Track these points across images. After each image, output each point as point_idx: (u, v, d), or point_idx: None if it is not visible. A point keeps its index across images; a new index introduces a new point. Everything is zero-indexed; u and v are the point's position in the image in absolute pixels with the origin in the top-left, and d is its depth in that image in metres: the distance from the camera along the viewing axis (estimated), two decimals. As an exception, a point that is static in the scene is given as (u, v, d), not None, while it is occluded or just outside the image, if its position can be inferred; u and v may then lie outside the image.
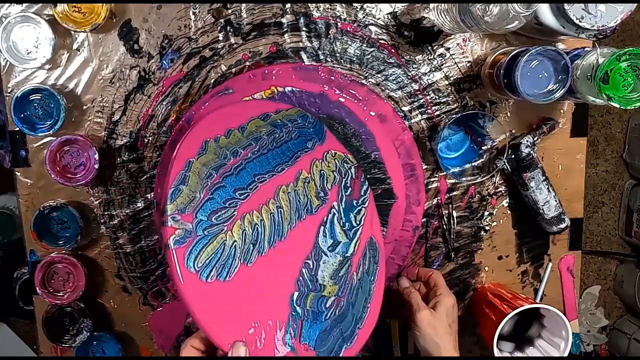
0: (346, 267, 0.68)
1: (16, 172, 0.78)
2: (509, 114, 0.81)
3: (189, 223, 0.58)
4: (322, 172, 0.70)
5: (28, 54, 0.72)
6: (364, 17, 0.78)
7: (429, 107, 0.80)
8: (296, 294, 0.63)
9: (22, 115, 0.73)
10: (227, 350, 0.56)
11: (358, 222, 0.72)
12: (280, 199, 0.65)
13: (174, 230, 0.57)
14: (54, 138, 0.74)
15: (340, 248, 0.69)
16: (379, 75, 0.79)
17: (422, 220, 0.82)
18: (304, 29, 0.78)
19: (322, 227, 0.68)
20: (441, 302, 0.74)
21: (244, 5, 0.77)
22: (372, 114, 0.78)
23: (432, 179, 0.82)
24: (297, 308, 0.62)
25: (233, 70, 0.78)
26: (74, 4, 0.71)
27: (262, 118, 0.68)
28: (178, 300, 0.82)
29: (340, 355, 0.64)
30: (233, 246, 0.60)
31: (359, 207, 0.73)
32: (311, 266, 0.65)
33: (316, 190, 0.69)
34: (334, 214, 0.70)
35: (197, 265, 0.57)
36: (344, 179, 0.72)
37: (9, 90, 0.76)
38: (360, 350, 0.66)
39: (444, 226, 0.83)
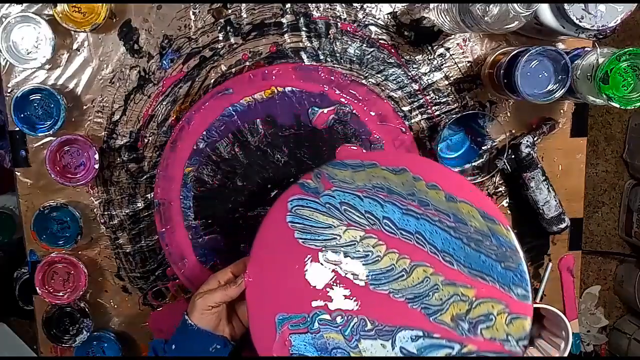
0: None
1: (16, 172, 0.78)
2: (509, 114, 0.81)
3: (323, 187, 0.62)
4: (490, 312, 0.57)
5: (28, 54, 0.72)
6: (364, 17, 0.78)
7: (429, 107, 0.80)
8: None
9: (22, 115, 0.73)
10: (245, 277, 0.61)
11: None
12: (413, 269, 0.60)
13: (309, 178, 0.62)
14: (54, 138, 0.74)
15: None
16: (379, 75, 0.79)
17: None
18: (304, 29, 0.78)
19: (411, 332, 0.59)
20: None
21: (244, 5, 0.76)
22: (372, 114, 0.78)
23: (432, 179, 0.82)
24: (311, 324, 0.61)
25: (233, 70, 0.78)
26: (74, 4, 0.71)
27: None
28: (178, 300, 0.82)
29: None
30: (335, 236, 0.61)
31: None
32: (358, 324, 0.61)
33: (459, 314, 0.58)
34: (447, 346, 0.59)
35: (295, 209, 0.62)
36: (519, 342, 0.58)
37: (9, 90, 0.76)
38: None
39: (444, 226, 0.83)
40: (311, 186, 0.62)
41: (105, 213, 0.80)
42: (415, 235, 0.60)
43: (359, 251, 0.61)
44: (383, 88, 0.79)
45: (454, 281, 0.59)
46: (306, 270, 0.62)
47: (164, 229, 0.78)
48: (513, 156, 0.79)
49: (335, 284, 0.61)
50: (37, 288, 0.77)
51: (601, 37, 0.70)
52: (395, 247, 0.60)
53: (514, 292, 0.58)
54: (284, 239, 0.62)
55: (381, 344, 0.59)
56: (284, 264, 0.62)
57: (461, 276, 0.59)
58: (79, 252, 0.80)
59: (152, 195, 0.79)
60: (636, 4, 0.67)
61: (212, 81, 0.78)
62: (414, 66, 0.79)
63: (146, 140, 0.79)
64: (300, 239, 0.62)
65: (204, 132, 0.77)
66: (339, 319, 0.60)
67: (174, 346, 0.63)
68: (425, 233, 0.60)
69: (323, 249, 0.61)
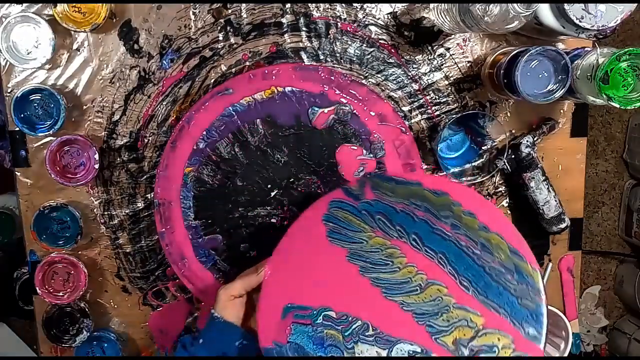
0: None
1: (16, 172, 0.78)
2: (509, 114, 0.81)
3: (364, 195, 0.64)
4: (494, 344, 0.57)
5: (28, 54, 0.72)
6: (364, 17, 0.78)
7: (429, 107, 0.80)
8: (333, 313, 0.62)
9: (22, 115, 0.73)
10: (266, 268, 0.63)
11: None
12: (428, 286, 0.60)
13: (354, 184, 0.65)
14: (54, 138, 0.74)
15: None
16: (379, 75, 0.79)
17: (422, 220, 0.82)
18: (304, 29, 0.78)
19: (410, 346, 0.59)
20: None
21: (244, 5, 0.77)
22: (372, 114, 0.78)
23: (432, 179, 0.82)
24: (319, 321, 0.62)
25: (233, 70, 0.78)
26: (74, 4, 0.71)
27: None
28: (178, 300, 0.82)
29: None
30: (362, 240, 0.63)
31: None
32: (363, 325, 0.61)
33: (462, 339, 0.57)
34: None
35: (333, 209, 0.64)
36: None
37: (9, 90, 0.76)
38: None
39: (444, 226, 0.83)
40: (354, 192, 0.64)
41: (105, 213, 0.80)
42: (439, 255, 0.61)
43: (380, 259, 0.62)
44: (383, 88, 0.79)
45: (466, 306, 0.59)
46: (326, 267, 0.63)
47: (164, 229, 0.78)
48: (513, 156, 0.79)
49: (350, 285, 0.62)
50: (37, 288, 0.77)
51: (601, 37, 0.70)
52: (416, 262, 0.61)
53: (524, 329, 0.57)
54: (314, 234, 0.64)
55: (377, 352, 0.59)
56: (307, 257, 0.63)
57: (474, 303, 0.58)
58: (79, 252, 0.80)
59: (152, 195, 0.79)
60: (636, 4, 0.67)
61: (212, 81, 0.78)
62: (414, 66, 0.79)
63: (146, 140, 0.79)
64: (329, 237, 0.63)
65: (204, 132, 0.77)
66: (343, 319, 0.61)
67: (201, 340, 0.64)
68: (449, 255, 0.60)
69: (348, 250, 0.62)
